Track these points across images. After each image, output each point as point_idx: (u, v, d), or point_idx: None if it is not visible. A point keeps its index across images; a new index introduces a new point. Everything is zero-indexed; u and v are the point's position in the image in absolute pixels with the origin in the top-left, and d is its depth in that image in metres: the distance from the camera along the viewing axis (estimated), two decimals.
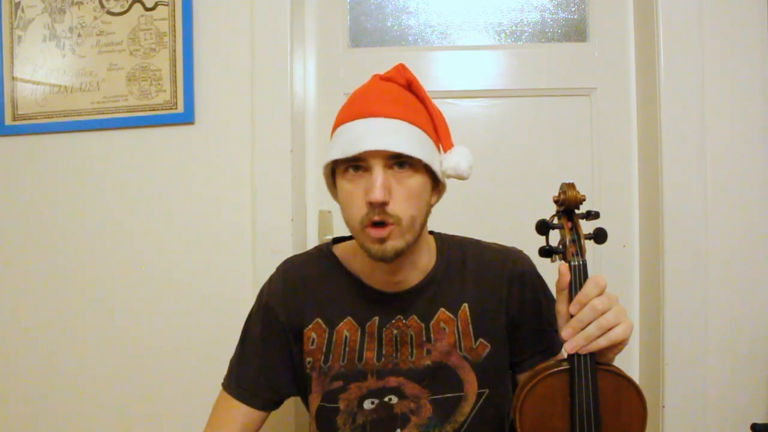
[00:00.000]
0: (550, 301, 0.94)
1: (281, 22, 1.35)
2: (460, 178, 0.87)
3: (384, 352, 0.93)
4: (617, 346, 0.78)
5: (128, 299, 1.40)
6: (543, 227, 0.84)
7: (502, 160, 1.43)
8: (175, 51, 1.36)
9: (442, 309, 0.94)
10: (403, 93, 0.87)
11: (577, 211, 0.84)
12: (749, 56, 1.30)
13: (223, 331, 1.36)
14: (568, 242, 0.81)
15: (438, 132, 0.88)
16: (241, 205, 1.36)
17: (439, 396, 0.92)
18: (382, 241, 0.82)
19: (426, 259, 0.95)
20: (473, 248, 0.99)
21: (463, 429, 0.92)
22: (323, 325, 0.94)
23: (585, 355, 0.77)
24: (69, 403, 1.42)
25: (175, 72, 1.37)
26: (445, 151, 0.88)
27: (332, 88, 1.46)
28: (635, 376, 1.39)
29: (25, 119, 1.43)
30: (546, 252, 0.83)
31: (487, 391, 0.93)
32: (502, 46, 1.46)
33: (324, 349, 0.94)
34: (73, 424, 1.42)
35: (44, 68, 1.42)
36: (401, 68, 0.88)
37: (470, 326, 0.93)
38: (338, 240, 1.03)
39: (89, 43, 1.40)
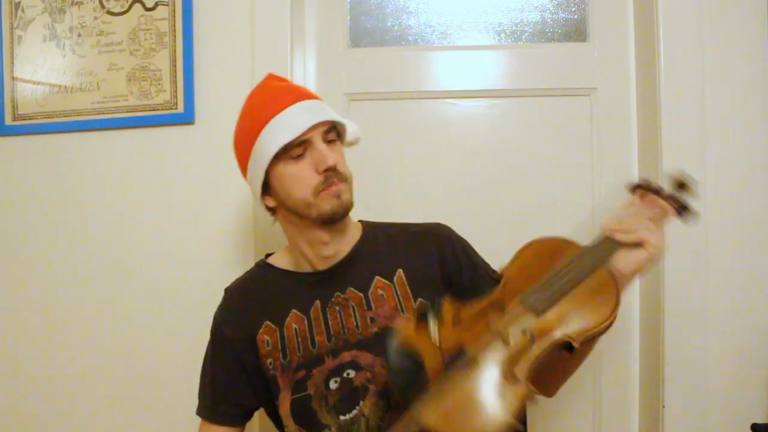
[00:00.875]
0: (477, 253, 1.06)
1: (281, 22, 1.35)
2: (356, 142, 1.03)
3: (332, 331, 0.98)
4: (642, 253, 0.89)
5: (128, 299, 1.40)
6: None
7: (502, 160, 1.43)
8: (175, 51, 1.36)
9: (378, 277, 1.00)
10: (294, 84, 1.06)
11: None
12: (749, 56, 1.30)
13: None
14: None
15: None
16: (242, 205, 1.36)
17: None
18: (338, 195, 0.94)
19: (353, 231, 1.05)
20: (398, 225, 1.09)
21: None
22: (272, 326, 1.01)
23: (608, 239, 0.90)
24: (68, 402, 1.42)
25: (175, 72, 1.37)
26: None
27: (332, 88, 1.46)
28: (635, 376, 1.39)
29: (25, 119, 1.43)
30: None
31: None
32: (502, 46, 1.46)
33: (280, 347, 0.99)
34: (72, 423, 1.42)
35: (44, 68, 1.42)
36: (271, 75, 1.04)
37: (408, 289, 0.99)
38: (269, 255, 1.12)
39: (89, 43, 1.40)
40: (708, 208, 1.27)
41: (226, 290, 1.10)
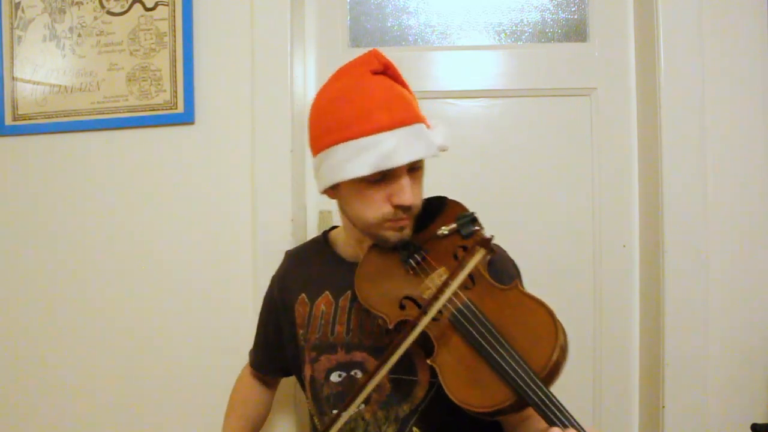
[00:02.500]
0: None
1: (281, 22, 1.35)
2: (443, 151, 0.93)
3: (352, 326, 0.98)
4: None
5: (128, 299, 1.40)
6: None
7: (502, 160, 1.43)
8: (175, 51, 1.36)
9: None
10: (396, 87, 0.90)
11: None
12: (749, 56, 1.30)
13: (223, 330, 1.36)
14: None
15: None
16: (241, 205, 1.36)
17: (396, 375, 0.93)
18: (401, 228, 0.90)
19: None
20: None
21: (419, 410, 0.93)
22: (306, 300, 1.02)
23: (457, 307, 0.81)
24: (68, 403, 1.42)
25: (175, 72, 1.37)
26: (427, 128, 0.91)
27: None
28: (635, 376, 1.39)
29: (25, 119, 1.43)
30: None
31: (437, 382, 0.91)
32: (502, 46, 1.46)
33: (306, 322, 1.01)
34: (72, 424, 1.42)
35: (44, 68, 1.42)
36: (377, 55, 0.91)
37: None
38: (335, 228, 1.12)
39: (89, 43, 1.40)
40: (708, 208, 1.27)
41: (287, 253, 1.13)
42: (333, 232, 1.11)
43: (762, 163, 1.30)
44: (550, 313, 0.77)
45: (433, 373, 0.90)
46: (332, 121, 0.88)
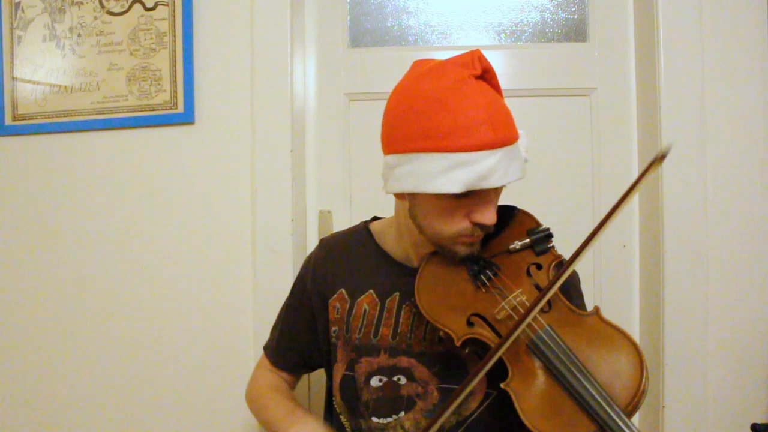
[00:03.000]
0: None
1: (281, 22, 1.35)
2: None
3: (399, 330, 0.93)
4: None
5: (127, 299, 1.40)
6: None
7: None
8: (175, 51, 1.36)
9: None
10: (499, 99, 0.84)
11: None
12: (749, 56, 1.30)
13: (222, 331, 1.36)
14: None
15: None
16: (241, 205, 1.36)
17: (447, 385, 0.91)
18: (472, 245, 0.86)
19: None
20: None
21: (467, 423, 0.90)
22: (345, 296, 0.97)
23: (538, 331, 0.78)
24: (68, 404, 1.42)
25: (175, 72, 1.37)
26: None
27: (332, 88, 1.46)
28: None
29: (25, 119, 1.43)
30: None
31: (495, 393, 0.88)
32: (502, 46, 1.46)
33: (345, 319, 0.96)
34: (72, 425, 1.42)
35: (44, 68, 1.42)
36: (480, 58, 0.82)
37: None
38: (376, 219, 1.06)
39: (89, 43, 1.40)
40: (708, 208, 1.27)
41: (321, 241, 1.07)
42: (376, 225, 1.03)
43: (762, 163, 1.30)
44: (635, 346, 0.75)
45: (490, 384, 0.88)
46: (426, 125, 0.79)
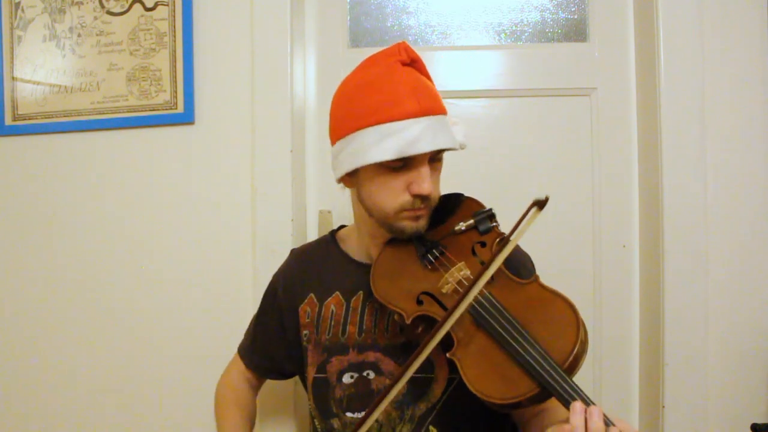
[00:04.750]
0: None
1: (281, 22, 1.35)
2: (461, 149, 0.95)
3: (365, 326, 0.97)
4: None
5: (128, 299, 1.40)
6: None
7: (502, 160, 1.43)
8: (175, 51, 1.36)
9: None
10: (423, 79, 0.92)
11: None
12: (749, 56, 1.30)
13: (222, 330, 1.36)
14: None
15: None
16: (241, 205, 1.36)
17: (415, 374, 0.91)
18: (417, 218, 0.90)
19: None
20: None
21: (436, 409, 0.93)
22: (315, 300, 1.01)
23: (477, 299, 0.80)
24: (69, 403, 1.42)
25: (175, 72, 1.37)
26: None
27: (332, 88, 1.43)
28: (635, 376, 1.39)
29: (25, 119, 1.43)
30: None
31: (457, 378, 0.89)
32: (502, 46, 1.46)
33: (315, 322, 1.00)
34: (73, 424, 1.42)
35: (44, 68, 1.42)
36: (406, 48, 0.92)
37: None
38: (343, 227, 1.12)
39: (89, 43, 1.40)
40: (708, 208, 1.27)
41: (292, 252, 1.12)
42: (341, 232, 1.10)
43: (762, 164, 1.30)
44: (571, 306, 0.78)
45: (452, 370, 0.91)
46: (359, 107, 0.89)
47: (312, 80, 1.46)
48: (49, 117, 1.42)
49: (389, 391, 0.80)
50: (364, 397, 0.94)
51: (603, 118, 1.41)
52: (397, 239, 0.95)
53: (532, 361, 0.73)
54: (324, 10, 1.47)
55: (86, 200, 1.42)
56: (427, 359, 0.91)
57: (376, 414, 0.81)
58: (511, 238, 0.81)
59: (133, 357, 1.40)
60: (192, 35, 1.36)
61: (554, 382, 0.71)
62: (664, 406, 1.26)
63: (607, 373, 1.39)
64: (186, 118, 1.37)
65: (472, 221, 0.92)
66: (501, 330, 0.77)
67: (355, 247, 1.04)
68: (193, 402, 1.38)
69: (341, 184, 0.97)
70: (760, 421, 1.26)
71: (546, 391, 0.72)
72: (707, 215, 1.27)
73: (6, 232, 1.45)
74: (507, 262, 0.87)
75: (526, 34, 1.46)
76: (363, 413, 0.91)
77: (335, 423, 0.97)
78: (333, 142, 0.94)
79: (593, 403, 0.70)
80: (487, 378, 0.76)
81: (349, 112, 0.90)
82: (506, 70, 1.43)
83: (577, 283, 1.41)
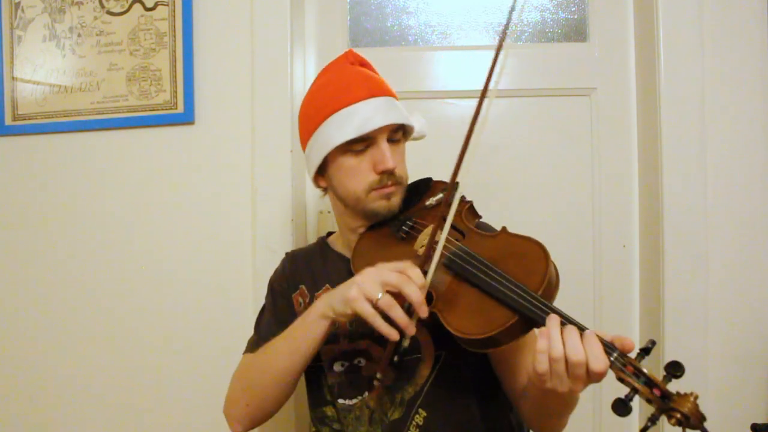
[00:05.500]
0: None
1: (281, 22, 1.35)
2: (420, 138, 1.03)
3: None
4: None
5: (128, 299, 1.40)
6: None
7: (502, 159, 1.43)
8: (175, 51, 1.36)
9: None
10: (371, 73, 1.01)
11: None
12: (749, 56, 1.30)
13: (223, 330, 1.36)
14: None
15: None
16: (241, 205, 1.36)
17: (402, 357, 0.92)
18: (388, 197, 0.95)
19: None
20: None
21: (425, 390, 0.94)
22: (306, 291, 1.04)
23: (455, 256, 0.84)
24: (69, 402, 1.42)
25: (175, 72, 1.37)
26: None
27: None
28: None
29: (25, 119, 1.43)
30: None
31: (443, 353, 0.94)
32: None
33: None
34: (73, 423, 1.42)
35: (44, 68, 1.42)
36: (353, 53, 1.02)
37: None
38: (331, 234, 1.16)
39: (89, 43, 1.40)
40: (708, 208, 1.27)
41: (287, 254, 1.15)
42: (332, 236, 1.14)
43: (762, 163, 1.30)
44: (539, 243, 0.82)
45: (437, 345, 0.94)
46: (316, 105, 0.97)
47: (312, 80, 1.46)
48: (49, 117, 1.42)
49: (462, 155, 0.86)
50: (356, 384, 0.96)
51: (603, 118, 1.41)
52: (374, 227, 0.99)
53: (506, 291, 0.75)
54: (324, 10, 1.47)
55: (86, 200, 1.42)
56: (415, 340, 0.92)
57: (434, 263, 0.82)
58: (457, 180, 0.85)
59: (133, 356, 1.40)
60: (192, 35, 1.36)
61: (531, 305, 0.73)
62: None
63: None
64: (186, 118, 1.37)
65: (440, 195, 0.96)
66: (475, 271, 0.80)
67: (343, 245, 1.08)
68: (193, 401, 1.38)
69: (321, 191, 1.04)
70: (760, 421, 1.26)
71: (524, 316, 0.73)
72: (707, 215, 1.27)
73: (6, 231, 1.44)
74: (478, 226, 0.94)
75: (526, 34, 1.47)
76: (355, 401, 0.95)
77: (328, 410, 0.98)
78: (303, 149, 1.01)
79: (575, 321, 0.71)
80: (466, 317, 0.78)
81: (309, 114, 0.99)
82: (506, 70, 1.43)
83: (577, 283, 1.41)
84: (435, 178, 1.06)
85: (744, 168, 1.30)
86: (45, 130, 1.42)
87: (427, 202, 0.98)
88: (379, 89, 0.97)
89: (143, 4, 1.38)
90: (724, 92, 1.29)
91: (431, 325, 0.91)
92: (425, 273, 0.81)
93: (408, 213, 0.99)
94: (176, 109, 1.37)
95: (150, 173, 1.40)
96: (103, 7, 1.40)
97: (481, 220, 0.99)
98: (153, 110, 1.38)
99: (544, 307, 0.73)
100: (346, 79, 0.97)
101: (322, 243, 1.12)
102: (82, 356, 1.41)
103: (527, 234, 0.85)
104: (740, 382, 1.28)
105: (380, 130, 0.93)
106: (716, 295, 1.28)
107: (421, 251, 0.88)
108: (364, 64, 1.02)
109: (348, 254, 1.04)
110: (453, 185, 0.85)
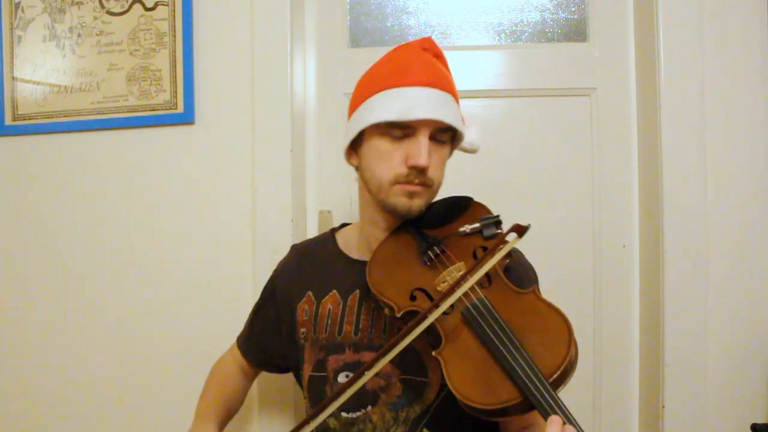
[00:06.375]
0: None
1: (281, 22, 1.35)
2: (471, 151, 0.99)
3: (361, 325, 0.96)
4: None
5: (128, 299, 1.40)
6: None
7: (502, 160, 1.43)
8: (175, 51, 1.36)
9: None
10: (440, 65, 0.94)
11: None
12: (749, 56, 1.30)
13: (222, 330, 1.36)
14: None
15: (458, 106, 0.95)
16: (241, 205, 1.36)
17: (408, 376, 0.92)
18: (411, 195, 0.90)
19: None
20: None
21: (431, 411, 0.92)
22: (312, 298, 1.01)
23: (473, 301, 0.79)
24: (69, 402, 1.42)
25: (175, 72, 1.37)
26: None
27: (332, 88, 1.46)
28: (635, 376, 1.39)
29: (25, 119, 1.43)
30: None
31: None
32: (502, 46, 1.46)
33: (312, 321, 1.00)
34: (73, 423, 1.42)
35: (44, 68, 1.42)
36: (431, 41, 0.96)
37: None
38: (345, 225, 1.12)
39: (89, 43, 1.40)
40: (708, 208, 1.27)
41: (292, 247, 1.13)
42: (342, 230, 1.09)
43: (762, 163, 1.30)
44: (566, 321, 0.76)
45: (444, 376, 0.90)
46: (372, 79, 0.94)
47: (312, 80, 1.46)
48: (49, 117, 1.42)
49: (371, 365, 0.78)
50: (360, 397, 0.93)
51: (603, 118, 1.41)
52: (399, 231, 0.95)
53: (517, 368, 0.71)
54: (324, 10, 1.47)
55: (86, 200, 1.42)
56: (421, 363, 0.91)
57: (348, 393, 0.79)
58: (498, 251, 0.82)
59: (133, 356, 1.40)
60: (192, 35, 1.36)
61: (537, 393, 0.69)
62: (664, 406, 1.26)
63: (607, 373, 1.39)
64: (186, 118, 1.37)
65: (477, 225, 0.91)
66: (490, 332, 0.76)
67: (355, 245, 1.04)
68: (193, 401, 1.37)
69: (355, 171, 0.99)
70: (760, 421, 1.26)
71: (528, 401, 0.69)
72: (707, 215, 1.27)
73: (6, 232, 1.45)
74: (508, 270, 0.87)
75: (526, 34, 1.47)
76: (358, 413, 0.92)
77: (331, 422, 0.96)
78: (348, 117, 0.97)
79: (575, 423, 0.68)
80: (470, 380, 0.74)
81: (363, 85, 0.95)
82: (506, 70, 1.43)
83: (577, 283, 1.41)
84: (442, 192, 0.99)
85: (744, 168, 1.30)
86: (45, 130, 1.42)
87: (461, 228, 0.91)
88: (439, 82, 0.90)
89: (143, 4, 1.38)
90: (724, 92, 1.29)
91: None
92: (437, 306, 0.78)
93: (439, 233, 0.93)
94: (176, 109, 1.37)
95: (150, 173, 1.40)
96: (103, 7, 1.40)
97: (511, 256, 0.91)
98: (153, 110, 1.38)
99: (551, 401, 0.68)
100: (409, 61, 0.92)
101: (330, 239, 1.07)
102: (81, 355, 1.41)
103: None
104: (740, 382, 1.28)
105: (424, 122, 0.87)
106: (716, 295, 1.28)
107: (441, 287, 0.84)
108: (438, 55, 0.96)
109: (361, 257, 1.01)
110: (493, 250, 0.81)
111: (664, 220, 1.27)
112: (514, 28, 1.46)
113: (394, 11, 1.48)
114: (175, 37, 1.36)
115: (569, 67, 1.42)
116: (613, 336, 1.39)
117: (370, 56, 1.45)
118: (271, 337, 1.08)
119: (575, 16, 1.45)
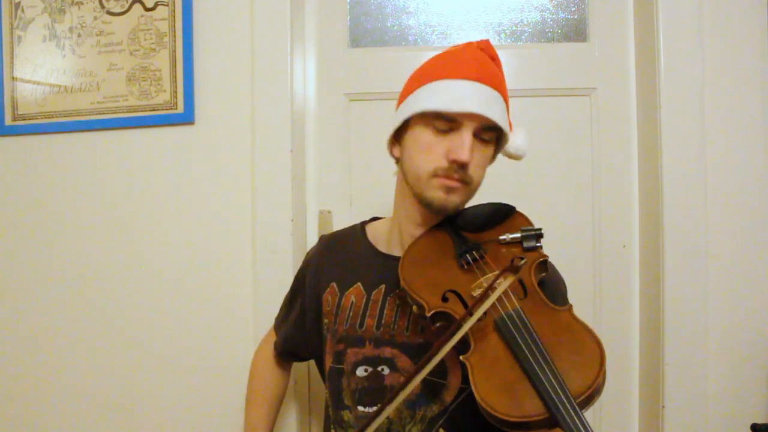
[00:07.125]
0: None
1: (281, 22, 1.35)
2: (516, 158, 0.99)
3: (384, 320, 0.95)
4: None
5: (128, 299, 1.40)
6: None
7: (502, 160, 1.43)
8: (175, 51, 1.36)
9: None
10: (493, 66, 0.94)
11: None
12: (749, 56, 1.30)
13: (222, 330, 1.36)
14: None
15: (508, 111, 0.95)
16: (241, 205, 1.36)
17: (427, 377, 0.90)
18: (448, 191, 0.89)
19: None
20: None
21: (448, 412, 0.91)
22: (336, 289, 1.01)
23: (509, 312, 0.79)
24: (69, 403, 1.42)
25: (175, 72, 1.37)
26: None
27: (332, 88, 1.46)
28: (635, 376, 1.39)
29: (25, 119, 1.43)
30: None
31: (468, 388, 0.89)
32: (502, 46, 1.46)
33: (334, 312, 1.00)
34: (73, 424, 1.42)
35: (44, 68, 1.42)
36: (488, 43, 0.95)
37: None
38: (376, 219, 1.12)
39: (89, 43, 1.40)
40: (708, 208, 1.27)
41: (321, 238, 1.14)
42: (372, 224, 1.09)
43: (762, 163, 1.30)
44: (599, 343, 0.76)
45: (464, 380, 0.89)
46: (424, 71, 0.94)
47: (312, 80, 1.46)
48: (49, 117, 1.42)
49: (403, 387, 0.77)
50: (377, 392, 0.93)
51: (603, 118, 1.41)
52: (436, 229, 0.94)
53: (546, 384, 0.70)
54: (324, 10, 1.47)
55: (86, 200, 1.42)
56: (442, 364, 0.89)
57: (388, 411, 0.78)
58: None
59: (132, 357, 1.40)
60: (192, 35, 1.36)
61: (565, 412, 0.67)
62: (664, 406, 1.26)
63: (607, 373, 1.39)
64: (186, 118, 1.37)
65: (518, 235, 0.90)
66: (523, 345, 0.75)
67: (384, 239, 1.03)
68: (192, 401, 1.38)
69: (395, 164, 0.99)
70: (760, 421, 1.26)
71: (553, 419, 0.68)
72: (707, 215, 1.27)
73: (6, 232, 1.45)
74: (542, 284, 0.87)
75: (526, 34, 1.47)
76: (374, 408, 0.91)
77: (345, 415, 0.96)
78: (396, 109, 0.97)
79: None
80: (496, 389, 0.73)
81: (414, 77, 0.94)
82: (506, 70, 1.41)
83: (577, 283, 1.40)
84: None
85: (744, 168, 1.30)
86: (45, 130, 1.42)
87: (502, 236, 0.91)
88: (490, 79, 0.90)
89: (143, 4, 1.38)
90: (724, 92, 1.29)
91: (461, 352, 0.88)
92: (471, 313, 0.77)
93: (478, 238, 0.92)
94: (176, 109, 1.37)
95: (150, 173, 1.40)
96: (103, 7, 1.40)
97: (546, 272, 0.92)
98: (153, 110, 1.38)
99: (579, 423, 0.67)
100: (463, 56, 0.91)
101: (360, 231, 1.07)
102: (81, 356, 1.41)
103: None
104: (740, 382, 1.28)
105: (469, 117, 0.86)
106: (716, 295, 1.28)
107: (476, 293, 0.83)
108: (494, 57, 0.95)
109: (390, 251, 1.01)
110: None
111: (664, 220, 1.27)
112: (514, 28, 1.46)
113: (394, 11, 1.48)
114: (175, 37, 1.36)
115: (569, 67, 1.42)
116: (613, 336, 1.39)
117: (370, 56, 1.47)
118: (295, 325, 1.09)
119: (575, 16, 1.45)
